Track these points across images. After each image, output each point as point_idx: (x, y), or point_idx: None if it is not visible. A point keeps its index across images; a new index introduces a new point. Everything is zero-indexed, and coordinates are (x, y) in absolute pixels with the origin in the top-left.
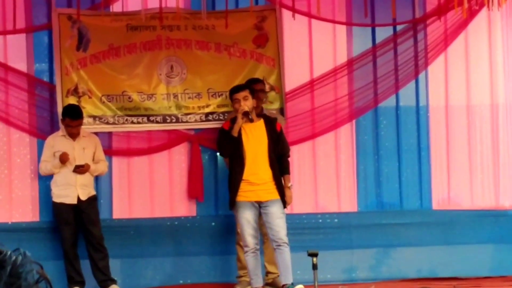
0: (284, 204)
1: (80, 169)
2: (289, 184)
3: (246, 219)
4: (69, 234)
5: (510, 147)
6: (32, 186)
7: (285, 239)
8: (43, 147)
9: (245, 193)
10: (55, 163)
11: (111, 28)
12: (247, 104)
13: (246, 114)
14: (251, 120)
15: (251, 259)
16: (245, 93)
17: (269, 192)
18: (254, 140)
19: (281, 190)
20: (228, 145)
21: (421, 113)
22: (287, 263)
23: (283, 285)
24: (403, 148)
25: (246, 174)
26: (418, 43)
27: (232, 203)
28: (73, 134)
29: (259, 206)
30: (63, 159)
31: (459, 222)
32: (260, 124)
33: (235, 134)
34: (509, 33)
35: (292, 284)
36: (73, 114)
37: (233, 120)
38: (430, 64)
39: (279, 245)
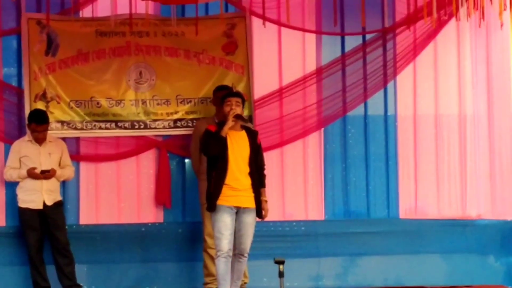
0: (260, 215)
1: (46, 174)
2: (265, 198)
3: (225, 223)
4: (35, 239)
5: (477, 158)
6: None
7: (248, 250)
8: (9, 152)
9: (226, 198)
10: (22, 174)
11: (80, 34)
12: (238, 110)
13: (238, 117)
14: (246, 121)
15: (222, 264)
16: (239, 99)
17: (249, 199)
18: (238, 147)
19: (258, 201)
20: (216, 145)
21: (389, 122)
22: (241, 273)
23: None
24: (371, 157)
25: (229, 179)
26: (387, 52)
27: (213, 206)
28: (39, 139)
29: (236, 212)
30: (31, 174)
31: (425, 231)
32: (243, 134)
33: (223, 134)
34: (477, 44)
35: None
36: (39, 119)
37: (220, 124)
38: (399, 74)
39: (242, 256)
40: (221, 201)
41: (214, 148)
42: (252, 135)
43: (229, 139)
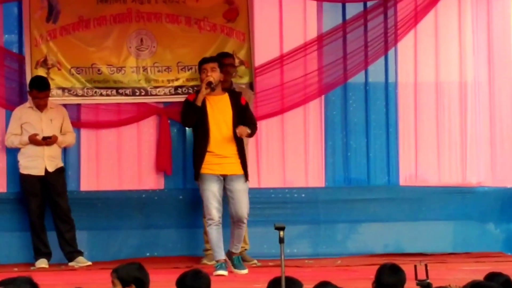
0: (246, 174)
1: (47, 141)
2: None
3: (212, 191)
4: (36, 205)
5: (478, 125)
6: (0, 156)
7: (246, 215)
8: (10, 119)
9: (210, 166)
10: (23, 141)
11: (81, 0)
12: (213, 75)
13: (209, 84)
14: (213, 89)
15: (214, 232)
16: (214, 64)
17: (234, 166)
18: (219, 112)
19: (245, 164)
20: (191, 115)
21: (390, 89)
22: (241, 237)
23: (232, 253)
24: (372, 124)
25: (212, 146)
26: (388, 20)
27: (197, 175)
28: (41, 106)
29: (224, 180)
30: (33, 140)
31: (425, 199)
32: (225, 98)
33: (198, 103)
34: (479, 11)
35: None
36: (40, 86)
37: (198, 92)
38: (399, 41)
39: (241, 222)
40: (206, 169)
41: (190, 119)
42: (235, 97)
43: (209, 105)
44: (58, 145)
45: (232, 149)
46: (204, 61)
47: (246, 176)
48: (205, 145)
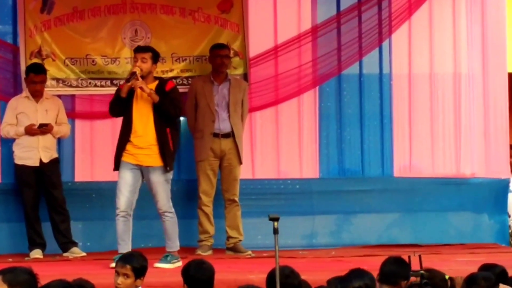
0: (166, 164)
1: (43, 129)
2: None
3: (125, 180)
4: (31, 196)
5: (472, 116)
6: None
7: (167, 207)
8: (6, 109)
9: (128, 155)
10: (19, 132)
11: None
12: (142, 66)
13: (133, 74)
14: (128, 80)
15: (120, 224)
16: (145, 55)
17: (151, 157)
18: (143, 102)
19: (165, 155)
20: (115, 105)
21: (384, 80)
22: (168, 233)
23: (169, 252)
24: (366, 115)
25: (132, 136)
26: (382, 11)
27: (116, 164)
28: (37, 92)
29: (141, 171)
30: (29, 131)
31: (420, 190)
32: (152, 87)
33: (123, 94)
34: (473, 2)
35: (175, 256)
36: (37, 69)
37: (129, 81)
38: (393, 32)
39: (164, 215)
40: (124, 157)
41: (114, 109)
42: (161, 85)
43: (135, 95)
44: (53, 135)
45: (151, 139)
46: (137, 49)
47: (165, 166)
48: (127, 136)
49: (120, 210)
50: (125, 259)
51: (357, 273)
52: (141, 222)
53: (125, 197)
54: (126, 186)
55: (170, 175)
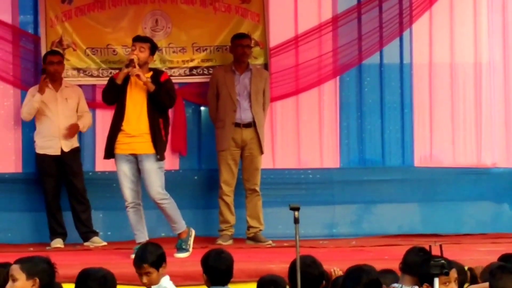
0: (158, 152)
1: (71, 131)
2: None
3: (124, 172)
4: (52, 186)
5: (493, 106)
6: (15, 137)
7: (161, 194)
8: (26, 96)
9: (121, 146)
10: (36, 97)
11: None
12: (140, 55)
13: (131, 61)
14: (128, 66)
15: (132, 214)
16: (144, 44)
17: (144, 145)
18: (138, 91)
19: (157, 142)
20: (109, 93)
21: (405, 70)
22: (170, 217)
23: (179, 234)
24: (386, 105)
25: (125, 125)
26: (403, 1)
27: (107, 153)
28: (57, 74)
29: (136, 160)
30: (42, 88)
31: (440, 180)
32: (147, 77)
33: (118, 81)
34: None
35: (185, 238)
36: (53, 51)
37: (128, 67)
38: (414, 22)
39: (158, 202)
40: (117, 149)
41: (108, 97)
42: (156, 76)
43: (129, 84)
44: (81, 130)
45: (144, 127)
46: (136, 39)
47: (157, 154)
48: (119, 124)
49: (129, 202)
50: (139, 259)
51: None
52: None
53: (129, 189)
54: (126, 178)
55: (163, 163)
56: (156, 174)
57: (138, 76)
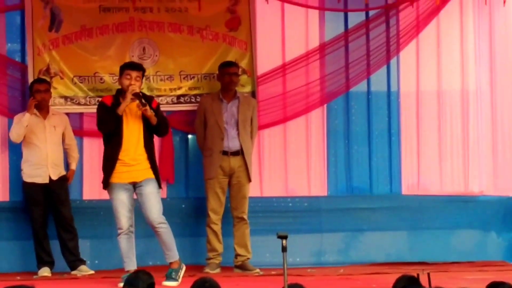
0: (158, 180)
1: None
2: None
3: (121, 200)
4: (39, 214)
5: (480, 133)
6: (2, 166)
7: (160, 218)
8: (13, 123)
9: (120, 174)
10: (26, 116)
11: (83, 9)
12: (137, 85)
13: (137, 95)
14: (144, 105)
15: (124, 241)
16: (139, 73)
17: (143, 172)
18: (132, 119)
19: (155, 169)
20: (111, 123)
21: (392, 98)
22: (167, 244)
23: (170, 263)
24: (374, 133)
25: (122, 154)
26: (390, 29)
27: (106, 183)
28: (44, 102)
29: (134, 187)
30: (31, 104)
31: (428, 207)
32: (134, 104)
33: (120, 112)
34: (480, 20)
35: (177, 268)
36: (39, 80)
37: (116, 97)
38: (401, 50)
39: (156, 227)
40: (115, 178)
41: (109, 126)
42: (147, 102)
43: (124, 113)
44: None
45: (142, 156)
46: (129, 65)
47: (158, 181)
48: (116, 154)
49: (122, 230)
50: (130, 284)
51: None
52: (149, 240)
53: (125, 217)
54: (124, 206)
55: (160, 190)
56: (156, 198)
57: (145, 111)
